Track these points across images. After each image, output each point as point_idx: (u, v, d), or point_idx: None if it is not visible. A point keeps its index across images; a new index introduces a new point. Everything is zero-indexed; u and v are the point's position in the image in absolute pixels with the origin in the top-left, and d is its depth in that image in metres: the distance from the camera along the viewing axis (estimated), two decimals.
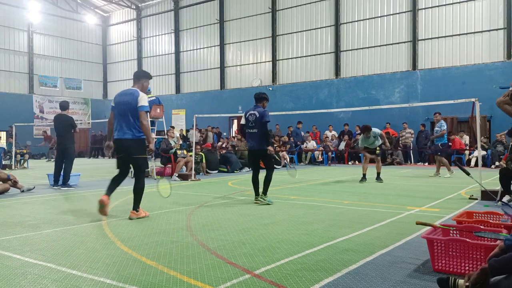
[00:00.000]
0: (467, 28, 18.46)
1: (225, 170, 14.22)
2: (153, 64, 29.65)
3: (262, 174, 7.03)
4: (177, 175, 11.57)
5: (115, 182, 6.04)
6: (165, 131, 13.35)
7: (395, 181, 10.86)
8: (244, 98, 23.36)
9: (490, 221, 3.95)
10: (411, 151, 18.49)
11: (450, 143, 17.01)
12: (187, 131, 24.65)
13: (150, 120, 12.50)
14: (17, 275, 3.25)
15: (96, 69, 32.15)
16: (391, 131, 18.91)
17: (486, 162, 15.58)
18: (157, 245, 4.13)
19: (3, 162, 17.14)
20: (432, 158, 12.33)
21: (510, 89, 5.60)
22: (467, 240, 3.17)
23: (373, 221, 5.31)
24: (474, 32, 18.31)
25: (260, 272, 3.29)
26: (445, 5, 18.95)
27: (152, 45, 29.74)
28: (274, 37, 23.81)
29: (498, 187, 7.08)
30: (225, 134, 24.03)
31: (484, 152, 15.26)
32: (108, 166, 17.52)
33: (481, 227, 3.52)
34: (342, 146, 19.25)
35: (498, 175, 6.62)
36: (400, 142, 18.52)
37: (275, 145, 18.59)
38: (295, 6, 23.05)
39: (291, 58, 23.46)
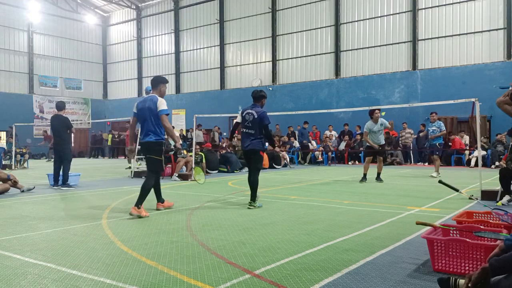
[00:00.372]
0: (467, 28, 18.46)
1: (225, 170, 14.22)
2: (153, 64, 29.67)
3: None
4: (177, 175, 11.57)
5: (155, 186, 6.40)
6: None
7: (395, 181, 10.86)
8: (244, 98, 23.32)
9: (490, 221, 3.95)
10: (411, 151, 18.49)
11: (450, 143, 17.03)
12: (187, 131, 24.66)
13: None
14: (17, 275, 3.25)
15: (96, 69, 32.15)
16: (391, 131, 18.91)
17: (486, 162, 15.58)
18: (157, 245, 4.13)
19: (3, 162, 17.14)
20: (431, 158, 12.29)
21: (510, 89, 5.60)
22: (467, 240, 3.17)
23: (373, 221, 5.31)
24: (474, 32, 18.31)
25: (260, 272, 3.29)
26: (445, 5, 18.96)
27: (152, 45, 29.74)
28: (274, 37, 23.81)
29: (498, 187, 7.08)
30: (225, 134, 24.04)
31: (484, 152, 15.27)
32: (108, 166, 17.52)
33: (481, 227, 3.52)
34: (342, 146, 19.26)
35: (498, 175, 6.62)
36: (400, 142, 18.53)
37: (275, 145, 18.65)
38: (295, 6, 23.05)
39: (291, 58, 23.46)
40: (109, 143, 26.97)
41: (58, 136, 9.70)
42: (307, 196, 7.83)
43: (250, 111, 6.73)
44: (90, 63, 31.66)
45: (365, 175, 10.63)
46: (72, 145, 10.57)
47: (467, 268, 3.16)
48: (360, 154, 18.91)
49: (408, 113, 19.07)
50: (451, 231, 3.58)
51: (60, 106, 9.97)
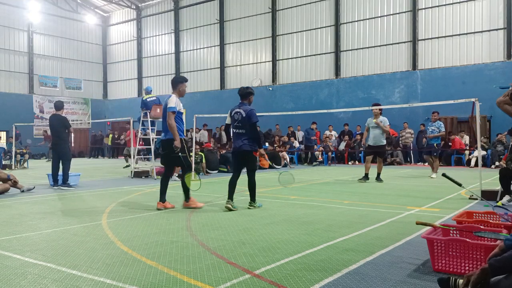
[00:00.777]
0: (467, 28, 18.46)
1: (225, 170, 14.21)
2: (153, 64, 29.67)
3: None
4: (177, 175, 11.56)
5: (164, 183, 6.62)
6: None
7: (395, 181, 10.86)
8: None
9: (490, 221, 3.95)
10: (411, 151, 18.49)
11: (450, 143, 17.03)
12: (187, 131, 24.64)
13: (150, 120, 12.53)
14: (17, 275, 3.25)
15: (96, 69, 32.15)
16: (391, 131, 18.86)
17: (486, 162, 15.58)
18: (157, 245, 4.13)
19: (3, 162, 17.14)
20: (428, 158, 12.14)
21: (510, 89, 5.60)
22: (467, 240, 3.17)
23: (373, 221, 5.31)
24: (474, 32, 18.31)
25: (260, 272, 3.29)
26: (445, 5, 18.96)
27: (152, 45, 29.74)
28: (274, 37, 23.81)
29: (498, 187, 7.08)
30: None
31: (484, 152, 15.27)
32: (107, 166, 17.52)
33: (481, 227, 3.52)
34: (342, 146, 19.26)
35: (498, 175, 6.62)
36: (400, 142, 18.52)
37: (275, 145, 18.65)
38: (295, 6, 23.05)
39: (291, 58, 23.46)
40: (109, 143, 26.97)
41: (56, 136, 9.69)
42: (307, 196, 7.83)
43: (238, 110, 6.49)
44: (90, 63, 31.66)
45: (366, 174, 10.62)
46: (72, 144, 10.55)
47: (467, 268, 3.16)
48: (360, 154, 18.90)
49: (408, 113, 19.07)
50: (451, 231, 3.58)
51: (59, 105, 9.97)
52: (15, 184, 8.52)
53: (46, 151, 25.38)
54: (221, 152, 15.41)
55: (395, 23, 20.25)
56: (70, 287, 2.99)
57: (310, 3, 22.54)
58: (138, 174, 12.24)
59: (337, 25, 21.67)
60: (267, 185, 10.12)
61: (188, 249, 3.98)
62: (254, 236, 4.52)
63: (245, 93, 6.63)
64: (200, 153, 13.27)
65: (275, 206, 6.64)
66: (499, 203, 6.58)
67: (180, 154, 6.39)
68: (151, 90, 13.35)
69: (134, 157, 12.91)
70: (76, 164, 17.60)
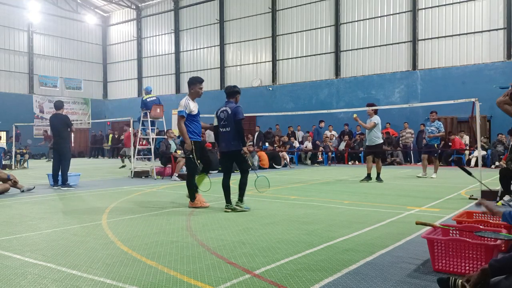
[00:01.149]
0: (467, 28, 18.46)
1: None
2: (153, 64, 29.67)
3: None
4: (177, 175, 11.56)
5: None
6: (165, 131, 13.35)
7: (395, 181, 10.86)
8: (244, 98, 23.17)
9: (490, 221, 3.95)
10: (411, 151, 18.49)
11: (450, 143, 17.02)
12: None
13: (151, 120, 12.53)
14: (17, 275, 3.25)
15: (96, 69, 32.15)
16: (391, 131, 18.92)
17: (486, 162, 15.58)
18: (157, 245, 4.13)
19: (3, 162, 17.13)
20: (425, 158, 12.07)
21: (510, 88, 5.60)
22: (467, 240, 3.17)
23: (373, 221, 5.30)
24: (474, 32, 18.31)
25: (260, 272, 3.29)
26: (445, 5, 18.96)
27: (152, 45, 29.74)
28: (274, 37, 23.81)
29: (498, 187, 7.08)
30: None
31: (484, 152, 15.26)
32: (107, 166, 17.52)
33: (481, 227, 3.52)
34: (342, 146, 19.25)
35: (498, 175, 6.62)
36: (400, 142, 18.52)
37: (275, 145, 18.65)
38: (295, 6, 23.05)
39: (291, 58, 23.46)
40: (109, 143, 26.96)
41: (57, 135, 9.68)
42: (307, 196, 7.83)
43: (224, 108, 6.28)
44: (90, 63, 31.66)
45: (368, 175, 10.61)
46: (72, 144, 10.55)
47: (467, 268, 3.16)
48: (360, 154, 18.90)
49: (408, 113, 19.07)
50: (451, 231, 3.58)
51: (58, 105, 9.97)
52: (15, 184, 8.52)
53: (46, 151, 25.38)
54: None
55: (395, 23, 20.25)
56: (70, 287, 2.99)
57: (310, 3, 22.54)
58: (138, 174, 12.24)
59: (337, 25, 21.67)
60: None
61: (188, 249, 3.98)
62: (254, 236, 4.52)
63: (232, 92, 6.40)
64: None
65: (275, 206, 6.64)
66: (499, 203, 6.58)
67: (190, 156, 6.49)
68: (151, 90, 13.35)
69: (133, 157, 12.90)
70: (76, 164, 17.60)
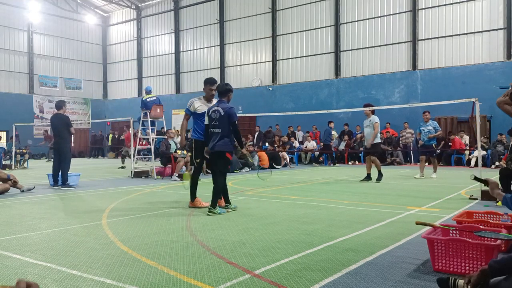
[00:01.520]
0: (467, 28, 18.46)
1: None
2: (153, 64, 29.67)
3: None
4: (177, 175, 11.57)
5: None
6: (165, 131, 13.36)
7: (395, 181, 10.86)
8: (244, 98, 23.36)
9: (490, 221, 3.95)
10: (411, 151, 18.48)
11: (450, 143, 17.01)
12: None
13: (150, 120, 12.53)
14: (17, 275, 3.24)
15: (96, 69, 32.15)
16: (391, 131, 18.91)
17: (486, 162, 15.57)
18: (157, 245, 4.13)
19: (3, 162, 17.13)
20: (423, 159, 11.97)
21: (510, 88, 5.60)
22: (467, 240, 3.18)
23: (373, 221, 5.31)
24: (474, 32, 18.31)
25: (260, 272, 3.29)
26: (445, 5, 18.96)
27: (152, 45, 29.74)
28: (274, 37, 23.81)
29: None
30: None
31: (484, 152, 15.26)
32: (107, 166, 17.52)
33: (481, 227, 3.52)
34: (342, 146, 19.25)
35: (498, 175, 6.62)
36: (400, 142, 18.52)
37: (275, 145, 18.65)
38: (295, 6, 23.05)
39: (291, 58, 23.46)
40: (109, 143, 26.97)
41: (58, 135, 9.68)
42: (307, 196, 7.83)
43: (216, 108, 6.08)
44: (90, 63, 31.66)
45: (368, 175, 10.62)
46: (72, 144, 10.53)
47: (467, 268, 3.16)
48: (360, 154, 18.89)
49: (408, 113, 19.06)
50: (451, 231, 3.59)
51: (59, 105, 9.97)
52: (15, 184, 8.52)
53: (46, 151, 25.38)
54: None
55: (395, 23, 20.25)
56: (70, 287, 2.99)
57: (310, 3, 22.54)
58: (138, 174, 12.24)
59: (337, 25, 21.67)
60: (267, 185, 10.12)
61: (188, 249, 3.98)
62: (254, 236, 4.52)
63: (224, 90, 6.21)
64: None
65: (275, 206, 6.64)
66: (499, 203, 6.58)
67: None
68: (151, 90, 13.35)
69: (133, 157, 12.90)
70: (76, 164, 17.60)
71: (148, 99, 12.66)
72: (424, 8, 19.47)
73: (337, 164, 18.08)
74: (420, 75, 19.47)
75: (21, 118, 24.00)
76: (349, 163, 18.97)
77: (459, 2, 18.63)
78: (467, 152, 16.77)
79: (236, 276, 3.20)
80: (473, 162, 15.79)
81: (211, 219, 5.57)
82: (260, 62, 24.56)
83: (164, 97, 23.34)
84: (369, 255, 3.74)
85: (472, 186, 8.96)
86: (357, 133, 19.40)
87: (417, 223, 3.69)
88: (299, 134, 20.69)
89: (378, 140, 10.70)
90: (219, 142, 5.98)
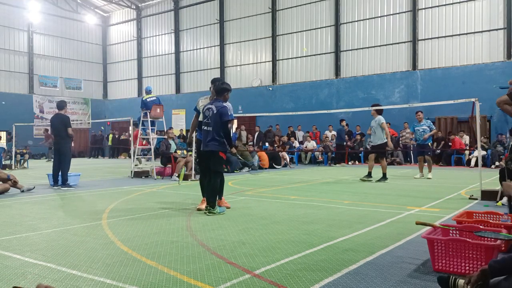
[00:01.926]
0: (467, 28, 18.45)
1: (225, 170, 14.20)
2: (153, 64, 29.66)
3: (263, 175, 6.99)
4: (177, 175, 11.56)
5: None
6: (165, 131, 13.36)
7: (395, 181, 10.86)
8: (244, 98, 23.37)
9: (490, 221, 3.95)
10: (411, 151, 18.48)
11: (450, 143, 17.01)
12: (187, 131, 24.64)
13: (150, 120, 12.53)
14: (17, 275, 3.25)
15: (96, 69, 32.15)
16: (391, 131, 18.88)
17: (486, 162, 15.58)
18: (157, 245, 4.13)
19: (3, 162, 17.13)
20: (421, 159, 11.96)
21: (511, 87, 5.60)
22: (468, 240, 3.17)
23: (373, 221, 5.31)
24: (474, 32, 18.30)
25: (260, 272, 3.29)
26: (445, 5, 18.95)
27: (152, 45, 29.74)
28: (274, 37, 23.80)
29: (498, 187, 7.08)
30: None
31: (484, 152, 15.26)
32: (108, 166, 17.52)
33: (481, 227, 3.52)
34: None
35: (498, 175, 6.62)
36: (400, 142, 18.52)
37: (275, 145, 18.65)
38: (295, 6, 23.04)
39: (291, 58, 23.45)
40: (109, 143, 26.98)
41: (58, 135, 9.69)
42: (307, 196, 7.83)
43: (210, 106, 6.00)
44: (90, 63, 31.65)
45: (369, 173, 10.64)
46: (72, 144, 10.52)
47: (467, 268, 3.16)
48: (360, 154, 18.90)
49: (408, 113, 19.04)
50: (451, 231, 3.59)
51: (60, 105, 9.97)
52: (15, 184, 8.52)
53: (46, 151, 25.39)
54: None
55: (395, 23, 20.25)
56: (70, 287, 2.99)
57: (310, 3, 22.54)
58: (138, 174, 12.24)
59: (337, 25, 21.67)
60: (267, 185, 10.13)
61: (188, 249, 3.98)
62: (254, 236, 4.52)
63: (220, 89, 6.04)
64: None
65: (275, 206, 6.64)
66: (499, 203, 6.59)
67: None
68: (151, 90, 13.35)
69: (133, 157, 12.90)
70: (76, 164, 17.60)
71: (148, 99, 12.66)
72: (424, 8, 19.47)
73: (340, 164, 18.04)
74: (420, 75, 19.46)
75: (21, 118, 24.00)
76: (349, 163, 18.97)
77: (459, 2, 18.63)
78: (467, 152, 16.77)
79: (236, 276, 3.20)
80: (473, 162, 15.80)
81: (211, 219, 5.57)
82: (260, 62, 24.56)
83: (164, 97, 23.35)
84: (369, 255, 3.74)
85: (472, 186, 8.96)
86: (357, 133, 19.41)
87: (417, 223, 3.69)
88: (300, 134, 20.69)
89: (384, 140, 10.68)
90: (212, 141, 5.91)
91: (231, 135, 6.17)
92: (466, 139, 17.14)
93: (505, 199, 6.62)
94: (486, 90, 16.48)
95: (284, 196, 7.80)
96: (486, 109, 15.23)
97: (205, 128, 5.99)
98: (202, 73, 27.07)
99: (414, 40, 19.59)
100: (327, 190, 9.07)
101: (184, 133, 24.19)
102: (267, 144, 19.58)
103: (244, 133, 20.90)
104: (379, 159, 10.80)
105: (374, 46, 20.81)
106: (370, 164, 10.82)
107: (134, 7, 30.06)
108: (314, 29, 22.52)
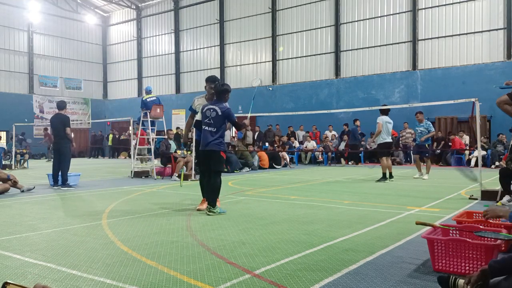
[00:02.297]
0: (467, 28, 18.46)
1: (225, 170, 14.20)
2: (153, 64, 29.66)
3: (260, 174, 7.00)
4: (176, 175, 11.56)
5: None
6: (165, 131, 13.36)
7: (395, 181, 10.85)
8: (244, 98, 23.35)
9: (490, 221, 3.95)
10: (411, 151, 18.46)
11: (450, 143, 17.00)
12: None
13: (150, 120, 12.53)
14: (17, 275, 3.24)
15: (96, 69, 32.15)
16: (391, 131, 18.89)
17: (486, 162, 15.57)
18: (157, 245, 4.13)
19: (3, 162, 17.13)
20: (417, 159, 12.07)
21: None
22: (467, 240, 3.17)
23: (373, 221, 5.30)
24: (474, 32, 18.30)
25: (260, 272, 3.29)
26: (445, 5, 18.96)
27: (152, 45, 29.74)
28: (274, 37, 23.81)
29: (498, 187, 7.08)
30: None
31: (484, 152, 15.26)
32: (108, 166, 17.52)
33: (481, 227, 3.52)
34: (342, 146, 19.24)
35: (498, 175, 6.62)
36: (400, 142, 18.51)
37: (275, 145, 18.65)
38: (295, 6, 23.05)
39: (291, 58, 23.46)
40: (109, 143, 26.98)
41: (57, 135, 9.69)
42: (307, 196, 7.83)
43: (212, 107, 6.03)
44: (90, 63, 31.66)
45: (384, 174, 10.65)
46: (74, 145, 10.50)
47: (467, 268, 3.16)
48: (360, 154, 18.89)
49: (408, 113, 19.03)
50: (451, 231, 3.58)
51: (61, 105, 9.98)
52: (15, 184, 8.52)
53: (46, 151, 25.38)
54: None
55: (395, 23, 20.25)
56: (70, 287, 2.99)
57: (310, 3, 22.54)
58: (138, 174, 12.24)
59: (337, 25, 21.67)
60: (267, 185, 10.13)
61: (188, 249, 3.97)
62: (254, 236, 4.52)
63: (221, 90, 6.09)
64: None
65: (275, 206, 6.64)
66: (499, 203, 6.58)
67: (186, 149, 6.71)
68: (151, 90, 13.35)
69: (133, 157, 12.90)
70: (76, 164, 17.60)
71: (148, 99, 12.66)
72: (424, 8, 19.47)
73: (355, 164, 18.00)
74: (420, 75, 19.46)
75: (21, 118, 24.00)
76: (349, 163, 18.96)
77: (459, 2, 18.63)
78: (467, 152, 16.77)
79: (236, 276, 3.20)
80: (473, 162, 15.80)
81: (211, 219, 5.57)
82: (260, 62, 24.56)
83: (164, 97, 23.35)
84: (369, 255, 3.74)
85: (472, 186, 8.96)
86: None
87: (417, 223, 3.69)
88: (301, 134, 20.69)
89: (382, 140, 10.69)
90: (213, 141, 5.94)
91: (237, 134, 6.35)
92: (466, 139, 17.14)
93: (505, 199, 6.62)
94: (486, 90, 16.48)
95: (284, 196, 7.80)
96: (486, 109, 15.22)
97: (206, 128, 6.00)
98: (202, 73, 27.06)
99: (414, 40, 19.59)
100: (327, 190, 9.07)
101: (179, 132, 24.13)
102: (267, 144, 19.58)
103: (250, 133, 20.86)
104: (379, 158, 10.84)
105: (374, 46, 20.81)
106: (386, 164, 10.94)
107: (134, 7, 30.07)
108: (314, 29, 22.52)
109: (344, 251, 3.87)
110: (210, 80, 6.55)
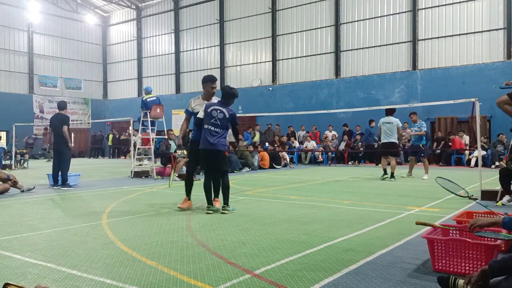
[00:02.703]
0: (467, 28, 18.45)
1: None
2: (153, 64, 29.66)
3: (259, 174, 7.00)
4: (177, 175, 11.56)
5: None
6: (165, 131, 13.36)
7: (395, 181, 10.86)
8: (244, 98, 23.29)
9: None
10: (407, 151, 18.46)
11: (450, 143, 16.99)
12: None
13: (150, 120, 12.53)
14: (17, 275, 3.24)
15: (96, 69, 32.14)
16: (394, 130, 18.86)
17: (486, 162, 15.57)
18: (157, 245, 4.13)
19: (3, 162, 17.13)
20: (412, 159, 12.34)
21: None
22: (467, 240, 3.17)
23: (373, 221, 5.31)
24: (474, 32, 18.30)
25: (260, 272, 3.29)
26: (445, 5, 18.95)
27: (152, 45, 29.74)
28: (274, 37, 23.80)
29: (498, 187, 7.08)
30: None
31: (484, 152, 15.26)
32: (108, 166, 17.52)
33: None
34: (342, 146, 19.25)
35: (498, 175, 6.62)
36: (400, 142, 18.48)
37: (275, 145, 18.65)
38: (295, 6, 23.04)
39: (291, 58, 23.45)
40: (110, 143, 26.97)
41: (57, 135, 9.69)
42: (307, 196, 7.83)
43: (219, 108, 6.11)
44: (90, 63, 31.65)
45: (385, 170, 11.02)
46: (72, 144, 10.51)
47: (467, 268, 3.16)
48: (360, 154, 18.90)
49: (408, 113, 18.98)
50: (451, 231, 3.58)
51: (61, 105, 9.98)
52: (15, 184, 8.52)
53: (43, 151, 25.36)
54: None
55: (395, 23, 20.24)
56: (70, 287, 2.99)
57: (310, 3, 22.53)
58: (138, 174, 12.24)
59: (337, 25, 21.66)
60: (267, 185, 10.13)
61: (188, 249, 3.98)
62: (254, 236, 4.52)
63: (229, 94, 6.24)
64: None
65: (275, 206, 6.64)
66: (499, 203, 6.58)
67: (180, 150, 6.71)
68: (151, 90, 13.35)
69: (133, 157, 12.89)
70: (76, 164, 17.60)
71: (148, 99, 12.66)
72: (424, 8, 19.46)
73: (369, 163, 18.02)
74: (420, 75, 19.46)
75: (21, 118, 23.99)
76: (349, 163, 18.98)
77: (459, 2, 18.62)
78: (467, 152, 16.77)
79: (236, 276, 3.20)
80: (473, 162, 15.80)
81: (211, 219, 5.57)
82: (260, 62, 24.56)
83: (164, 97, 23.35)
84: (369, 255, 3.74)
85: (472, 186, 8.96)
86: (356, 133, 19.39)
87: (417, 223, 3.69)
88: (301, 134, 20.69)
89: (382, 140, 11.00)
90: (220, 142, 6.01)
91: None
92: (466, 139, 17.14)
93: (505, 199, 6.63)
94: (486, 90, 16.47)
95: (284, 196, 7.80)
96: (486, 109, 15.22)
97: (212, 128, 6.02)
98: (202, 73, 26.99)
99: (414, 40, 19.59)
100: (327, 190, 9.07)
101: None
102: (267, 144, 19.58)
103: (258, 134, 20.82)
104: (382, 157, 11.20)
105: (374, 46, 20.80)
106: (384, 163, 11.23)
107: (134, 7, 30.06)
108: (314, 29, 22.51)
109: (344, 251, 3.88)
110: (211, 79, 6.56)
